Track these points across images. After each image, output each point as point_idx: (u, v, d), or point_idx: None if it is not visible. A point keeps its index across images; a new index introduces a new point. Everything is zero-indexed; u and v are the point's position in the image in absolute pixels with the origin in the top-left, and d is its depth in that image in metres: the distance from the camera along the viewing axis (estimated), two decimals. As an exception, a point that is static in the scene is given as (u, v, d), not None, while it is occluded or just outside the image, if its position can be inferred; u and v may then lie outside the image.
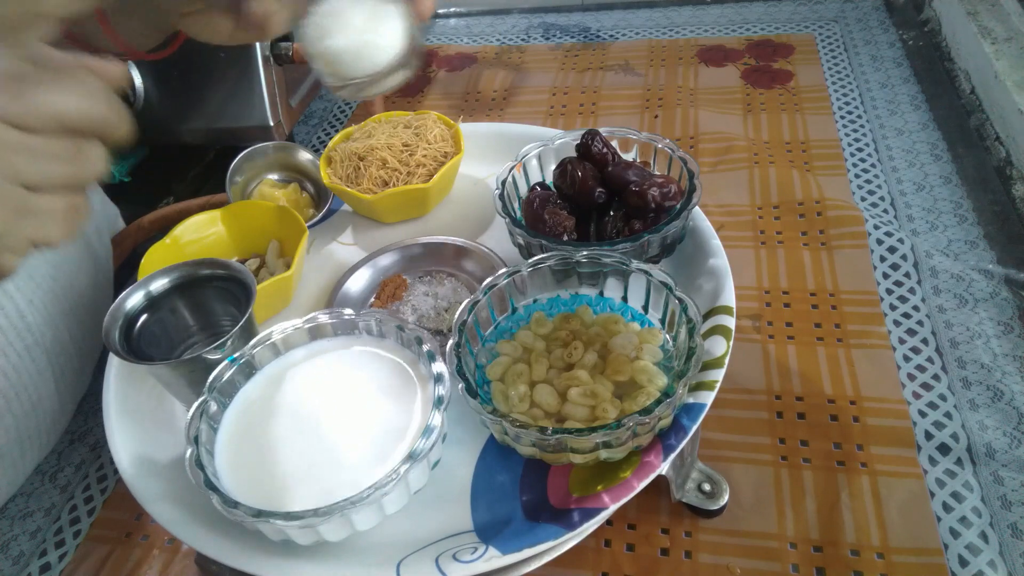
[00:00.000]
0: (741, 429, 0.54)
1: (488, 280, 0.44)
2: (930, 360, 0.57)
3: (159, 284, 0.48)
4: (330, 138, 0.66)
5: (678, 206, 0.47)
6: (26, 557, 0.54)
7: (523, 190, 0.53)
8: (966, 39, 0.87)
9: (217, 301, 0.51)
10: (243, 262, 0.56)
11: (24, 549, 0.55)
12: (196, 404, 0.41)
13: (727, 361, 0.42)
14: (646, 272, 0.42)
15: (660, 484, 0.47)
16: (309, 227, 0.54)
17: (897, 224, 0.70)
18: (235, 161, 0.60)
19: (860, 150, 0.80)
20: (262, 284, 0.49)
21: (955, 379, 0.56)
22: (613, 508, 0.38)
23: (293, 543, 0.37)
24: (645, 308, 0.44)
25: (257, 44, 0.75)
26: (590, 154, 0.51)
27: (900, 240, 0.67)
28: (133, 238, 0.71)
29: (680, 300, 0.40)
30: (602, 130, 0.52)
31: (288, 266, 0.53)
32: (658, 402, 0.36)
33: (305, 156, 0.63)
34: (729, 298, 0.46)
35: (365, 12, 0.42)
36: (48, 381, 0.54)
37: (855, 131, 0.82)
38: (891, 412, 0.54)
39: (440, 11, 1.25)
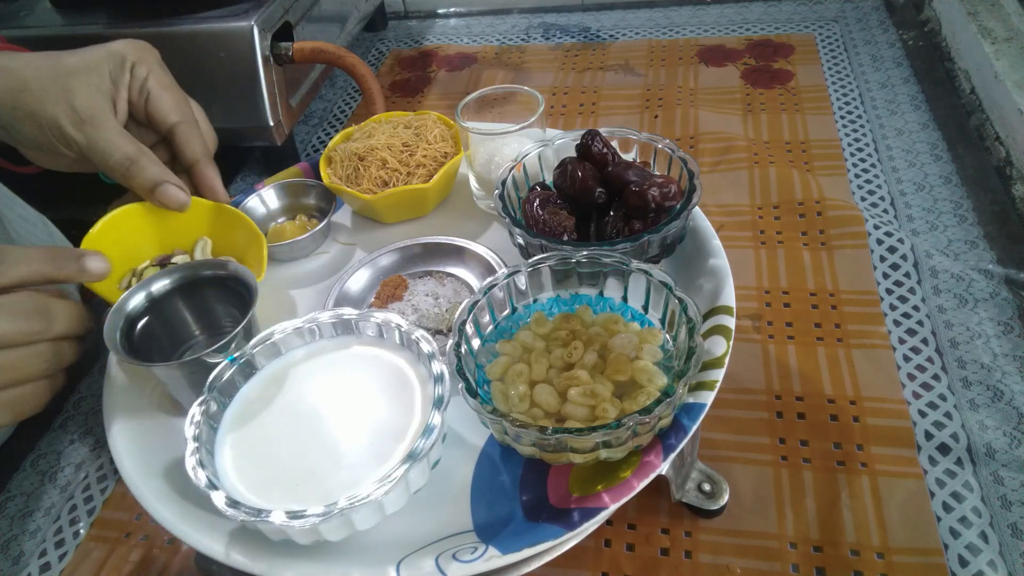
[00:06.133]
0: (741, 429, 0.54)
1: (488, 280, 0.44)
2: (930, 360, 0.57)
3: (160, 285, 0.48)
4: (330, 138, 0.66)
5: (678, 206, 0.47)
6: (26, 557, 0.54)
7: (523, 190, 0.53)
8: (966, 39, 0.87)
9: (218, 302, 0.51)
10: (168, 258, 0.53)
11: (24, 549, 0.55)
12: (196, 404, 0.41)
13: (727, 361, 0.42)
14: (646, 272, 0.42)
15: (660, 484, 0.47)
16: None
17: (897, 224, 0.70)
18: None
19: (860, 150, 0.80)
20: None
21: (955, 379, 0.56)
22: (613, 508, 0.38)
23: (293, 543, 0.37)
24: (645, 308, 0.44)
25: (257, 44, 0.75)
26: (590, 154, 0.51)
27: (900, 240, 0.67)
28: None
29: (680, 300, 0.40)
30: (602, 130, 0.52)
31: None
32: (658, 402, 0.36)
33: (311, 191, 0.63)
34: (729, 298, 0.46)
35: None
36: None
37: (855, 131, 0.82)
38: (891, 412, 0.54)
39: (440, 11, 1.25)
